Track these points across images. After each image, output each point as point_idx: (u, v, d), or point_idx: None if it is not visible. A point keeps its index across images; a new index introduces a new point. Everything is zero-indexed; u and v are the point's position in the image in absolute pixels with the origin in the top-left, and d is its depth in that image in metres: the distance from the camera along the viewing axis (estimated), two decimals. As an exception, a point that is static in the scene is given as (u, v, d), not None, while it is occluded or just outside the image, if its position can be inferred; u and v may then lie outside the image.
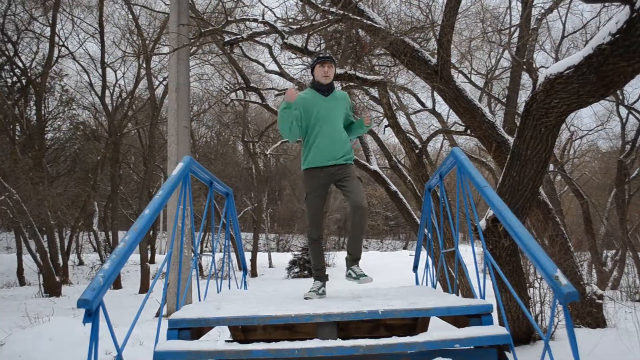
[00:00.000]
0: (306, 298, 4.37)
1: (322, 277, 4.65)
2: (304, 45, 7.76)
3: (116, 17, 23.59)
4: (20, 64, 22.24)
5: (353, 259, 4.53)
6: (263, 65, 12.77)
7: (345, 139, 4.66)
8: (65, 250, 23.62)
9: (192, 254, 9.82)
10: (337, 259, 27.17)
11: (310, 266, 21.42)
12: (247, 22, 9.17)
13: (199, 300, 4.65)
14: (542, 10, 12.30)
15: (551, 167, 16.59)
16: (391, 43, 7.55)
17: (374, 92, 11.40)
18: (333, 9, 7.29)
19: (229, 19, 8.10)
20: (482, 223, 5.90)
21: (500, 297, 3.56)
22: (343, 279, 4.82)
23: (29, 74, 22.28)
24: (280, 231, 44.11)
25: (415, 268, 6.01)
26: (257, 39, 8.95)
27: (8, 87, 22.57)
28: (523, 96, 14.04)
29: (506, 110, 12.37)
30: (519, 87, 12.93)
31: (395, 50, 7.70)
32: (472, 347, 3.03)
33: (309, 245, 4.71)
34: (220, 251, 23.32)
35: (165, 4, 18.15)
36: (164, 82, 22.57)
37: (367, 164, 12.77)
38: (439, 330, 3.11)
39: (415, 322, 4.40)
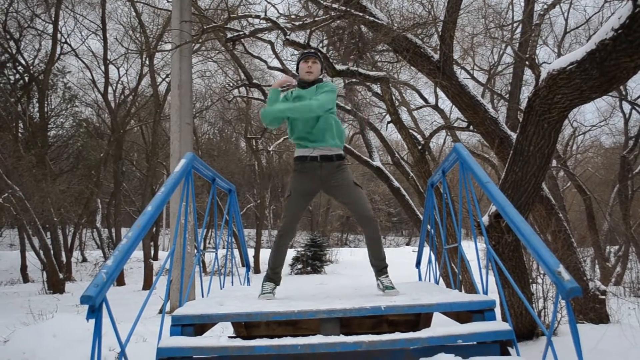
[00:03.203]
0: (266, 298, 4.08)
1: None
2: (306, 41, 7.75)
3: (119, 14, 23.77)
4: (22, 61, 22.28)
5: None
6: (265, 62, 12.77)
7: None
8: (69, 247, 23.68)
9: (195, 251, 9.84)
10: (339, 255, 27.41)
11: (312, 262, 21.19)
12: (250, 19, 9.16)
13: (202, 296, 4.64)
14: (545, 6, 12.27)
15: (554, 162, 16.57)
16: (393, 39, 7.53)
17: (377, 88, 11.39)
18: (335, 5, 7.28)
19: (231, 15, 8.08)
20: (485, 219, 5.89)
21: (503, 292, 3.55)
22: (346, 275, 4.80)
23: (32, 71, 22.31)
24: (283, 228, 43.99)
25: (418, 264, 6.01)
26: (260, 35, 8.94)
27: (11, 84, 22.60)
28: (526, 92, 14.00)
29: (509, 106, 12.35)
30: (521, 83, 12.90)
31: (397, 46, 7.69)
32: (474, 342, 3.02)
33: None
34: (223, 248, 23.36)
35: (168, 1, 18.16)
36: (167, 79, 22.60)
37: (369, 160, 12.77)
38: (441, 326, 3.11)
39: (418, 318, 4.40)
